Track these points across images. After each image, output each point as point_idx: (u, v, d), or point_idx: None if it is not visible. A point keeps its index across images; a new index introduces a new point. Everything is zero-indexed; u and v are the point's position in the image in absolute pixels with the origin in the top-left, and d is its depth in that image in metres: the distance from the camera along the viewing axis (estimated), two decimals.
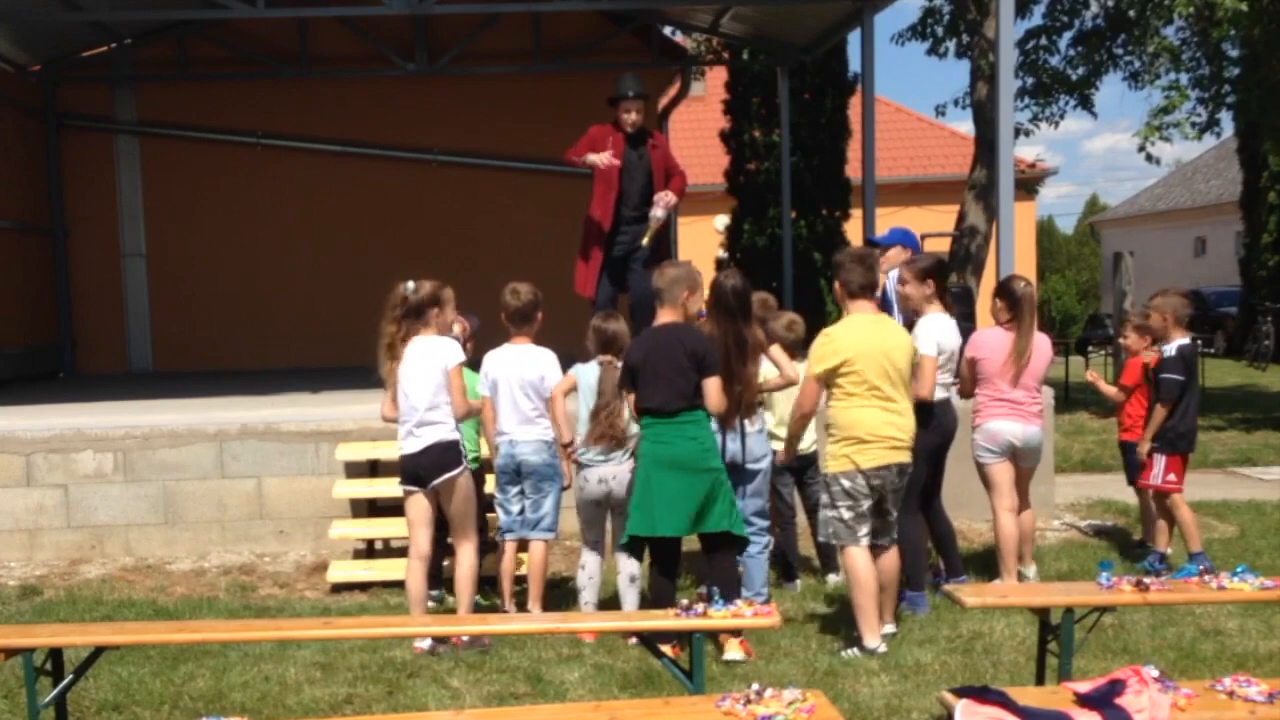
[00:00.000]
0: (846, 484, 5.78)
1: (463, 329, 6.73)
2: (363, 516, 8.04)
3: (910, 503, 6.28)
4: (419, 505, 6.02)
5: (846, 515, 5.80)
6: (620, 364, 6.01)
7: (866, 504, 5.79)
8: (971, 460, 6.95)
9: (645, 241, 8.58)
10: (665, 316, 5.81)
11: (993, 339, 6.77)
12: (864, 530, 5.80)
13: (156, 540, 8.17)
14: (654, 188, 8.52)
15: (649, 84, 13.96)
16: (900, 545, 6.01)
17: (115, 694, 5.36)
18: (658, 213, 8.45)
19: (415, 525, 6.06)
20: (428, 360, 5.89)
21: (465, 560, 6.06)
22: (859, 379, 5.71)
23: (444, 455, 5.91)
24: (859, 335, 5.79)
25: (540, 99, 13.24)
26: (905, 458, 5.83)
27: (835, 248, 15.88)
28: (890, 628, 5.92)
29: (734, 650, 5.67)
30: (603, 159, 8.35)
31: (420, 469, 5.93)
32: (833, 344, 5.79)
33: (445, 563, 6.79)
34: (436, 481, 5.91)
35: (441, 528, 6.26)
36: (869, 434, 5.73)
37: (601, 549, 6.41)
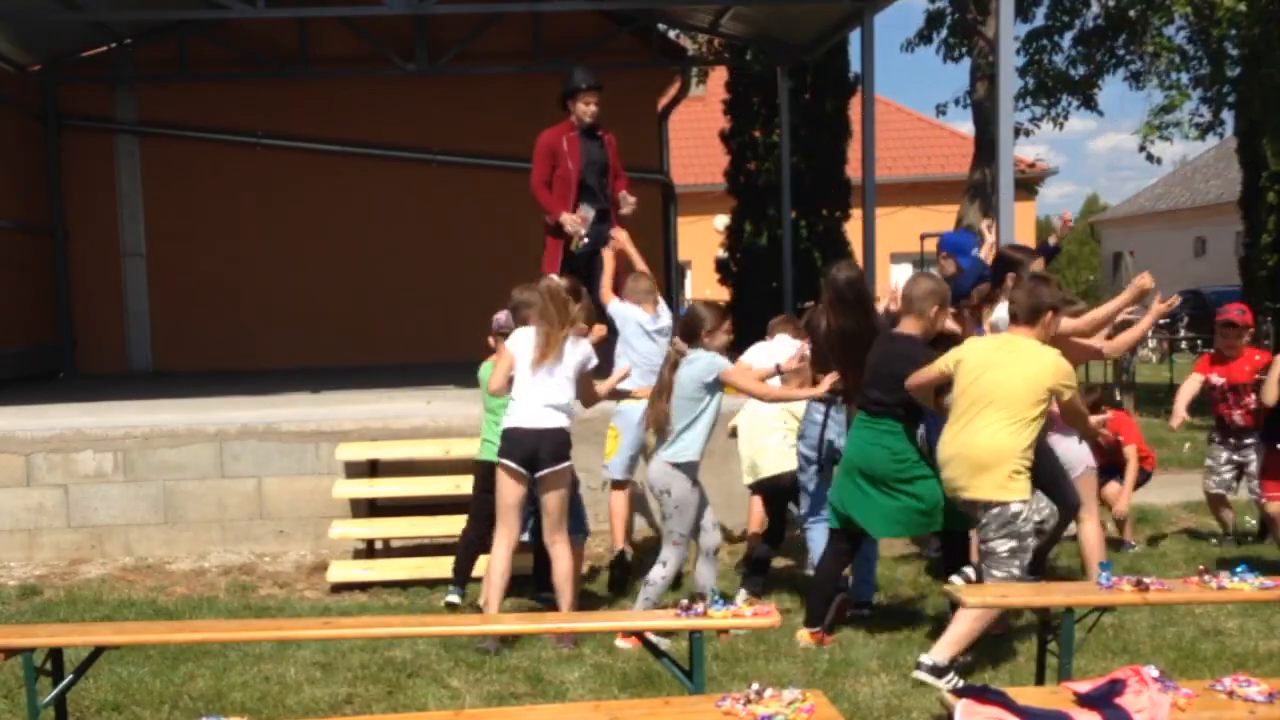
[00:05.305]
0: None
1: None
2: (363, 516, 8.04)
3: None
4: (520, 490, 5.96)
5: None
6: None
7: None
8: None
9: (573, 247, 8.36)
10: (909, 326, 5.81)
11: None
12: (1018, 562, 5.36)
13: (156, 540, 8.16)
14: (610, 183, 8.49)
15: (649, 84, 14.08)
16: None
17: (115, 694, 5.36)
18: (617, 232, 8.13)
19: (511, 509, 6.00)
20: (569, 358, 5.97)
21: (563, 558, 6.02)
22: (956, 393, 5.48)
23: (564, 445, 5.97)
24: (974, 351, 5.53)
25: (540, 99, 13.16)
26: (963, 494, 5.39)
27: (835, 248, 15.91)
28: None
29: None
30: (571, 222, 8.26)
31: (541, 449, 5.88)
32: (952, 354, 5.56)
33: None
34: (557, 467, 5.92)
35: (487, 520, 6.29)
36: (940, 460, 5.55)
37: (686, 546, 6.10)
